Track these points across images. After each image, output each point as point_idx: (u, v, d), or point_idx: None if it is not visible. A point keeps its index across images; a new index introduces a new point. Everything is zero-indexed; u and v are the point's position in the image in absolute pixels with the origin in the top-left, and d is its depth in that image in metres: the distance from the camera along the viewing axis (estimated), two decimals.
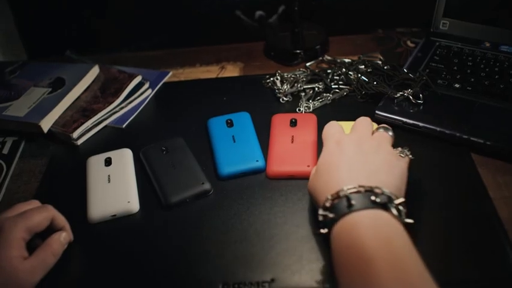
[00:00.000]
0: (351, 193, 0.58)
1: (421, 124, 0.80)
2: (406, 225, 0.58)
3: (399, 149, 0.68)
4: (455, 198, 0.71)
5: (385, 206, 0.58)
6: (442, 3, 0.96)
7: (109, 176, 0.77)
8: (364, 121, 0.71)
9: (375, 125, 0.72)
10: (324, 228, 0.60)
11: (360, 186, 0.59)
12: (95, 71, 0.97)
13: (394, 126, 0.81)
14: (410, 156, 0.67)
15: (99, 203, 0.74)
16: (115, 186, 0.76)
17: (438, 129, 0.79)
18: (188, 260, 0.67)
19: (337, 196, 0.59)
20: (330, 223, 0.59)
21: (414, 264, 0.53)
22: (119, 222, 0.73)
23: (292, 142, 0.80)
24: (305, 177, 0.74)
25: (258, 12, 1.12)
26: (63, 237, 0.67)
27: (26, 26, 1.16)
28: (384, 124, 0.71)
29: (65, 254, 0.67)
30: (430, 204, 0.70)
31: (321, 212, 0.60)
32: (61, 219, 0.68)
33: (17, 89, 0.95)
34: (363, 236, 0.55)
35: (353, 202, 0.57)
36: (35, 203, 0.69)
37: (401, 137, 0.80)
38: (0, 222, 0.64)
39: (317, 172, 0.66)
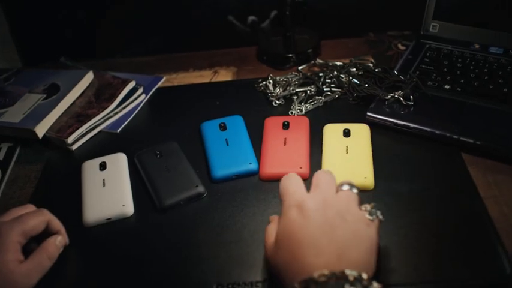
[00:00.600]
0: (322, 282, 0.51)
1: (411, 125, 0.81)
2: None
3: (368, 207, 0.59)
4: (446, 197, 0.72)
5: None
6: (431, 6, 0.97)
7: (104, 180, 0.78)
8: (326, 177, 0.61)
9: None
10: None
11: (331, 273, 0.51)
12: (89, 76, 0.98)
13: (386, 127, 0.82)
14: (380, 217, 0.59)
15: (94, 207, 0.74)
16: (110, 190, 0.76)
17: (429, 129, 0.80)
18: (183, 261, 0.67)
19: (305, 285, 0.51)
20: None
21: None
22: (114, 226, 0.73)
23: (284, 144, 0.81)
24: None
25: (251, 18, 1.13)
26: (59, 240, 0.68)
27: (20, 33, 1.16)
28: (348, 180, 0.62)
29: (61, 257, 0.68)
30: (421, 203, 0.71)
31: None
32: (56, 223, 0.69)
33: (12, 95, 0.95)
34: None
35: None
36: (30, 207, 0.70)
37: (393, 138, 0.82)
38: None
39: (278, 245, 0.58)
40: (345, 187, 0.60)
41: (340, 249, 0.54)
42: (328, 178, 0.61)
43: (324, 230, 0.55)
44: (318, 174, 0.62)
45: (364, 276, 0.51)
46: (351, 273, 0.51)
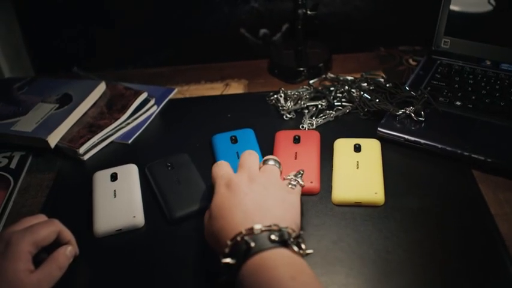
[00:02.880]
0: (248, 235, 0.57)
1: (422, 141, 0.81)
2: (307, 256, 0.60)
3: (291, 175, 0.70)
4: (456, 214, 0.72)
5: (284, 243, 0.57)
6: (443, 22, 0.97)
7: (115, 191, 0.78)
8: (250, 156, 0.71)
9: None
10: (228, 276, 0.58)
11: (256, 228, 0.58)
12: (101, 87, 0.99)
13: (396, 143, 0.83)
14: (302, 183, 0.70)
15: (105, 218, 0.75)
16: (121, 201, 0.77)
17: (439, 146, 0.80)
18: (193, 273, 0.68)
19: (235, 241, 0.58)
20: (233, 270, 0.57)
21: None
22: (124, 237, 0.74)
23: (295, 158, 0.81)
24: (308, 193, 0.75)
25: (262, 31, 1.14)
26: (69, 250, 0.68)
27: (33, 42, 1.18)
28: (271, 155, 0.72)
29: (71, 267, 0.68)
30: (431, 220, 0.71)
31: (222, 259, 0.58)
32: (67, 233, 0.69)
33: (25, 104, 0.96)
34: (268, 279, 0.54)
35: (252, 245, 0.56)
36: (42, 217, 0.70)
37: (403, 154, 0.82)
38: (8, 236, 0.64)
39: (211, 218, 0.64)
40: (270, 162, 0.70)
41: (264, 209, 0.62)
42: (252, 157, 0.71)
43: (250, 197, 0.63)
44: (242, 156, 0.71)
45: (288, 229, 0.59)
46: (275, 224, 0.59)
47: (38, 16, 1.15)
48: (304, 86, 0.99)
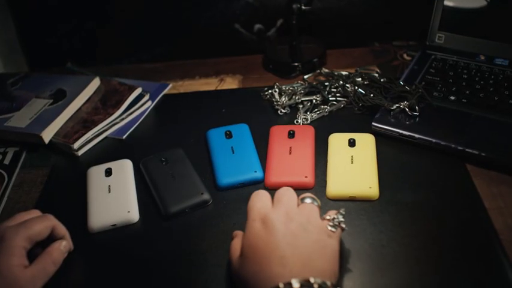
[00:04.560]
0: None
1: (416, 135, 0.81)
2: None
3: (332, 215, 0.62)
4: (451, 208, 0.72)
5: None
6: (437, 17, 0.97)
7: (109, 186, 0.78)
8: (287, 192, 0.64)
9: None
10: None
11: (296, 282, 0.53)
12: (95, 82, 0.98)
13: (391, 137, 0.83)
14: (343, 225, 0.62)
15: (100, 213, 0.74)
16: (115, 196, 0.77)
17: (434, 140, 0.80)
18: (188, 269, 0.68)
19: None
20: None
21: None
22: (119, 232, 0.74)
23: (290, 153, 0.81)
24: (303, 188, 0.76)
25: (257, 26, 1.14)
26: (63, 245, 0.68)
27: (27, 37, 1.17)
28: (309, 193, 0.65)
29: (65, 262, 0.68)
30: (425, 214, 0.71)
31: None
32: (61, 228, 0.69)
33: (18, 100, 0.96)
34: None
35: None
36: (36, 213, 0.70)
37: (398, 148, 0.82)
38: (2, 231, 0.64)
39: (243, 257, 0.60)
40: (307, 200, 0.63)
41: (304, 258, 0.57)
42: (290, 194, 0.64)
43: (288, 241, 0.58)
44: (280, 190, 0.65)
45: (328, 283, 0.54)
46: (315, 281, 0.54)
47: (32, 11, 1.14)
48: (299, 81, 0.99)
